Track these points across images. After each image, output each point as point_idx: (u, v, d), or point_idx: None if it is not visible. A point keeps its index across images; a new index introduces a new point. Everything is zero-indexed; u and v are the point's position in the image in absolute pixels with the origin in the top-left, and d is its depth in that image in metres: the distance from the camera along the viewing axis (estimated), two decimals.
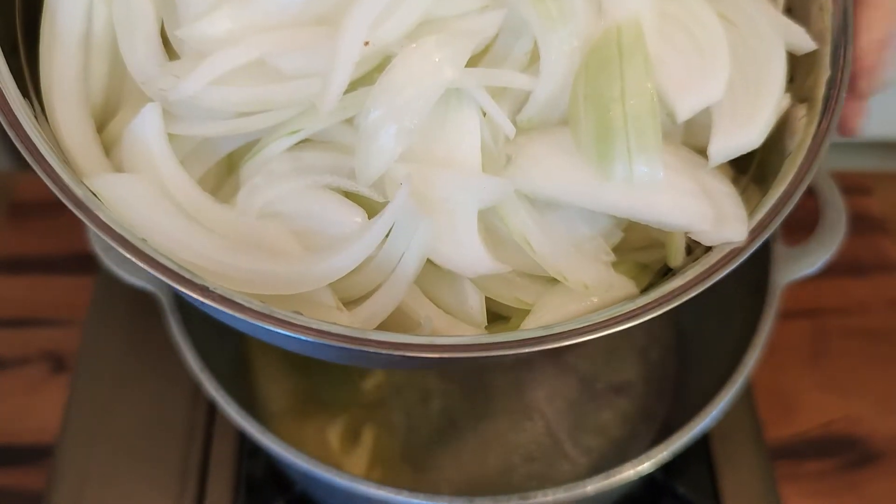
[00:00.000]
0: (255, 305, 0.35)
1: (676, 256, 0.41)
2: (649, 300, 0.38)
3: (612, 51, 0.39)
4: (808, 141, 0.42)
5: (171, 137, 0.40)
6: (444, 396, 0.68)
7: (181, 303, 0.56)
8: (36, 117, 0.40)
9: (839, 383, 0.73)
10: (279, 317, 0.35)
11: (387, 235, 0.39)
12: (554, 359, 0.70)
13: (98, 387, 0.68)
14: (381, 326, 0.40)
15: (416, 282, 0.40)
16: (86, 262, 0.67)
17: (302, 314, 0.36)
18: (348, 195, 0.41)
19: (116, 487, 0.64)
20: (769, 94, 0.41)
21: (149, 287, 0.57)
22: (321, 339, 0.35)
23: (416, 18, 0.39)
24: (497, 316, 0.43)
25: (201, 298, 0.35)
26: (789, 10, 0.46)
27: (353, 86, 0.39)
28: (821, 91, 0.43)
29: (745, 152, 0.42)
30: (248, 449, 0.65)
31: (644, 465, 0.50)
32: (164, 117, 0.39)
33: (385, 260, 0.39)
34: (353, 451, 0.65)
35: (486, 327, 0.42)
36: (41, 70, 0.42)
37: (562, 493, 0.50)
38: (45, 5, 0.41)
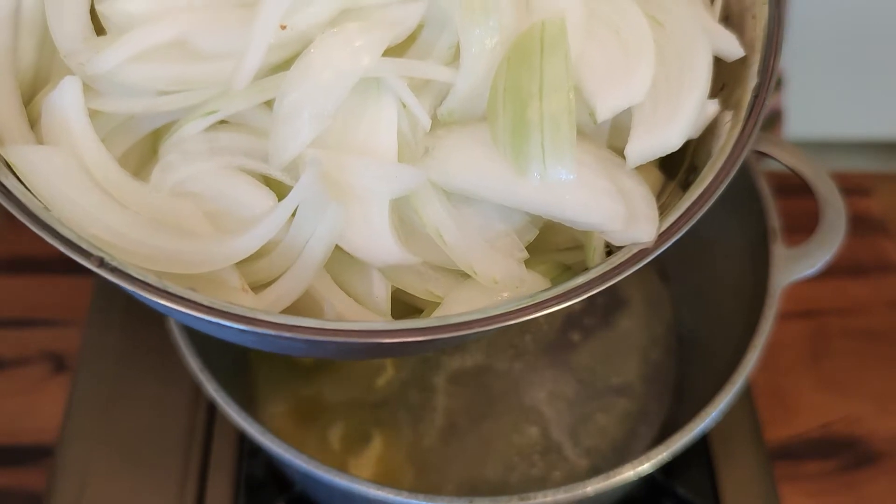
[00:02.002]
0: (149, 279, 0.35)
1: (594, 257, 0.42)
2: (548, 296, 0.38)
3: (535, 46, 0.39)
4: (730, 146, 0.42)
5: (94, 114, 0.40)
6: (448, 396, 0.68)
7: None
8: None
9: (839, 384, 0.73)
10: (171, 291, 0.35)
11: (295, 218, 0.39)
12: (554, 359, 0.70)
13: (98, 387, 0.67)
14: (290, 311, 0.40)
15: (326, 268, 0.40)
16: None
17: (195, 290, 0.36)
18: (268, 180, 0.41)
19: (117, 486, 0.64)
20: (690, 98, 0.42)
21: None
22: (209, 315, 0.35)
23: (337, 5, 0.39)
24: (414, 308, 0.43)
25: (95, 269, 0.35)
26: (727, 19, 0.46)
27: (274, 71, 0.39)
28: (747, 98, 0.43)
29: (663, 154, 0.42)
30: (248, 449, 0.65)
31: (644, 466, 0.50)
32: (87, 93, 0.40)
33: (292, 243, 0.40)
34: (361, 453, 0.65)
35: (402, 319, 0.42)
36: None
37: (562, 494, 0.50)
38: None
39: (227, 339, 0.41)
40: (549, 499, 0.50)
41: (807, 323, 0.76)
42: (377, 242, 0.39)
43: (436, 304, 0.42)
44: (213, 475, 0.64)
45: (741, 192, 0.60)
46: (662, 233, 0.40)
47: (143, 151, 0.43)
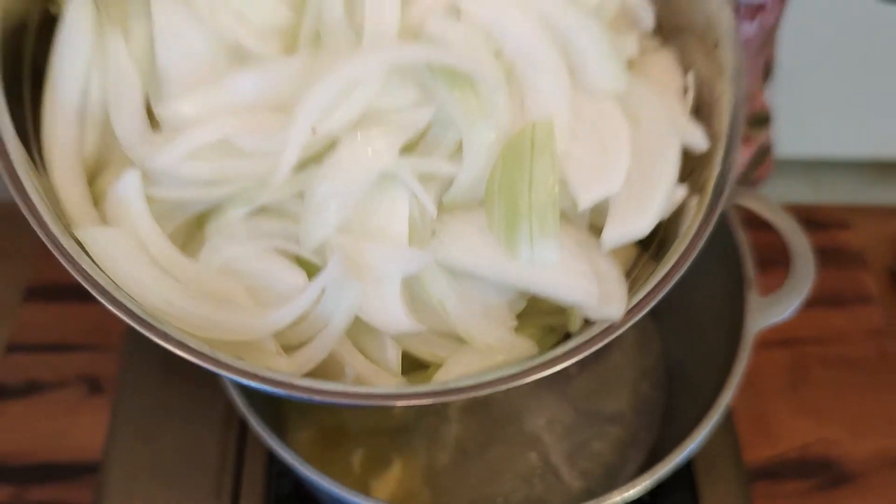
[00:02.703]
0: (206, 350, 0.41)
1: (574, 323, 0.46)
2: (534, 364, 0.43)
3: (526, 145, 0.44)
4: (692, 232, 0.46)
5: (149, 199, 0.44)
6: (459, 423, 0.70)
7: None
8: (36, 167, 0.44)
9: (817, 409, 0.75)
10: (223, 360, 0.41)
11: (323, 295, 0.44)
12: (553, 389, 0.72)
13: (138, 409, 0.70)
14: (317, 370, 0.45)
15: (347, 334, 0.45)
16: None
17: (243, 359, 0.42)
18: (298, 259, 0.46)
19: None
20: (660, 189, 0.46)
21: None
22: (255, 381, 0.41)
23: (359, 111, 0.43)
24: (421, 363, 0.48)
25: (161, 342, 0.40)
26: (697, 110, 0.50)
27: (305, 164, 0.44)
28: (710, 185, 0.47)
29: (635, 240, 0.47)
30: (276, 471, 0.67)
31: (630, 493, 0.53)
32: (144, 180, 0.44)
33: (319, 315, 0.45)
34: (382, 476, 0.67)
35: (412, 373, 0.47)
36: (43, 132, 0.45)
37: None
38: (47, 78, 0.45)
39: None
40: None
41: (786, 351, 0.78)
42: (390, 314, 0.44)
43: (439, 364, 0.47)
44: (245, 493, 0.66)
45: (721, 243, 0.62)
46: (630, 310, 0.44)
47: (188, 229, 0.47)
